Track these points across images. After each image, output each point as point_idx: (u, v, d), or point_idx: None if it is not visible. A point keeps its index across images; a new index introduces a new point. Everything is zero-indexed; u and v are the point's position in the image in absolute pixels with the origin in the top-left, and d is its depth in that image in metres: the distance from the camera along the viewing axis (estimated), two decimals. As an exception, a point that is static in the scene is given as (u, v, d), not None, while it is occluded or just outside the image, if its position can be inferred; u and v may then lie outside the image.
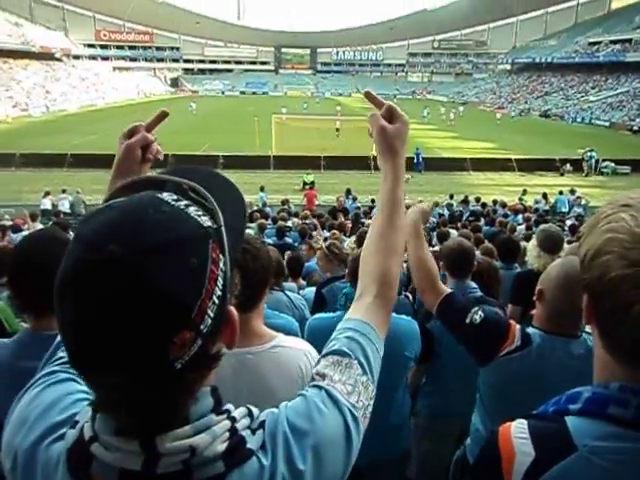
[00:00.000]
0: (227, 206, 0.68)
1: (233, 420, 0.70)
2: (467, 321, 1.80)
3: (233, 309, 0.68)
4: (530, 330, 1.81)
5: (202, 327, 0.61)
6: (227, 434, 0.67)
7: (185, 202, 0.64)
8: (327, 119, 35.94)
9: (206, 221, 0.63)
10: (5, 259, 3.06)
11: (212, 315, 0.62)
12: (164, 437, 0.63)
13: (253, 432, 0.71)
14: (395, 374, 2.36)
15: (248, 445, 0.69)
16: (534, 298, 1.80)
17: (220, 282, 0.63)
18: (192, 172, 0.72)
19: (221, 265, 0.63)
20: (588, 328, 1.74)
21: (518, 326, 1.83)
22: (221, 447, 0.66)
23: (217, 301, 0.62)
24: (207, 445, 0.65)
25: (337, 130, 32.89)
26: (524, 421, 0.81)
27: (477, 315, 1.81)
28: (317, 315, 2.42)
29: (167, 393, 0.62)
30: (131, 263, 0.56)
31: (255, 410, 0.74)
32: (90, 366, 0.59)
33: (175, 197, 0.64)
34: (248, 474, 0.67)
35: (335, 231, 7.45)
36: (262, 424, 0.73)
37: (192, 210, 0.63)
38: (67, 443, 0.68)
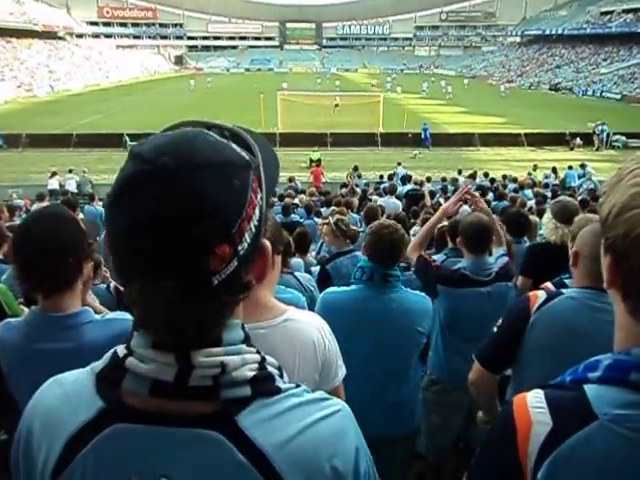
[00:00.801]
0: (264, 156, 0.73)
1: (263, 358, 0.73)
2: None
3: (267, 242, 0.73)
4: (563, 290, 1.80)
5: (239, 248, 0.65)
6: (256, 365, 0.70)
7: (227, 140, 0.70)
8: (332, 95, 35.56)
9: (245, 155, 0.69)
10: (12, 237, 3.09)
11: (249, 240, 0.66)
12: (198, 352, 0.67)
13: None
14: (408, 349, 2.34)
15: (277, 383, 0.72)
16: (570, 263, 1.78)
17: (257, 212, 0.68)
18: (235, 128, 0.77)
19: (259, 197, 0.69)
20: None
21: (540, 291, 1.82)
22: (249, 373, 0.69)
23: (254, 229, 0.67)
24: (237, 366, 0.68)
25: (336, 106, 33.13)
26: (540, 391, 0.78)
27: (495, 327, 1.88)
28: (331, 289, 2.38)
29: (203, 309, 0.65)
30: (182, 174, 0.61)
31: (285, 373, 0.76)
32: (138, 270, 0.63)
33: (219, 136, 0.70)
34: (273, 406, 0.69)
35: (342, 207, 7.40)
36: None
37: (234, 145, 0.69)
38: (96, 367, 0.73)
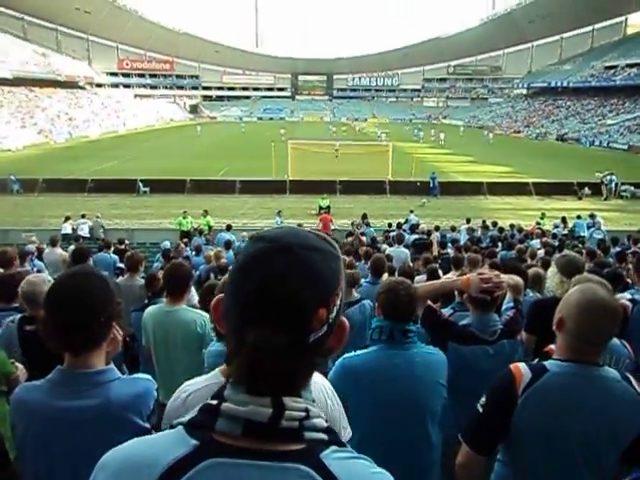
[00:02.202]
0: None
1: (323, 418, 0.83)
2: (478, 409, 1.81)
3: (346, 320, 0.86)
4: (546, 362, 1.77)
5: (330, 316, 0.79)
6: (324, 419, 0.81)
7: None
8: (343, 144, 36.34)
9: (336, 251, 0.85)
10: (14, 285, 3.10)
11: (335, 312, 0.80)
12: (288, 398, 0.77)
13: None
14: (435, 402, 2.30)
15: (341, 438, 0.82)
16: (554, 328, 1.76)
17: (340, 294, 0.82)
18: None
19: (342, 283, 0.83)
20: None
21: (521, 363, 1.80)
22: (325, 423, 0.80)
23: (338, 304, 0.81)
24: (316, 415, 0.79)
25: (336, 150, 34.32)
26: None
27: (479, 405, 1.81)
28: (349, 354, 2.32)
29: (299, 363, 0.78)
30: (299, 251, 0.78)
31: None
32: (258, 318, 0.75)
33: None
34: (345, 453, 0.79)
35: (351, 258, 7.38)
36: None
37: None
38: (177, 423, 0.79)
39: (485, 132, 57.32)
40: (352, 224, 15.16)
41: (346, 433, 1.52)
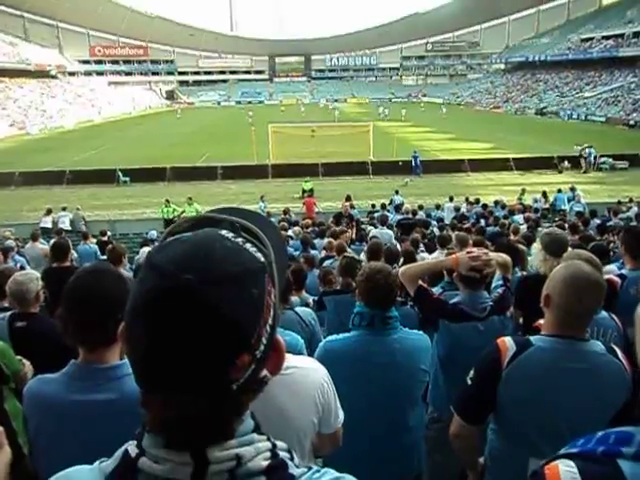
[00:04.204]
0: (273, 244, 0.74)
1: (274, 445, 0.73)
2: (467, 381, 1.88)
3: (280, 338, 0.73)
4: (532, 337, 1.82)
5: (257, 352, 0.66)
6: (269, 453, 0.71)
7: (241, 239, 0.71)
8: (324, 126, 36.15)
9: (260, 257, 0.70)
10: (3, 283, 3.06)
11: (265, 342, 0.67)
12: (212, 448, 0.67)
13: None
14: (412, 391, 2.34)
15: (290, 470, 0.72)
16: (541, 304, 1.80)
17: (272, 312, 0.69)
18: (239, 212, 0.79)
19: (273, 296, 0.69)
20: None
21: (507, 337, 1.85)
22: (264, 463, 0.69)
23: (269, 330, 0.68)
24: (251, 457, 0.68)
25: (312, 131, 34.66)
26: (571, 463, 0.76)
27: (468, 378, 1.88)
28: (332, 337, 2.39)
29: (221, 412, 0.67)
30: (205, 293, 0.62)
31: (294, 454, 0.77)
32: (159, 385, 0.64)
33: (232, 234, 0.71)
34: None
35: (331, 239, 7.30)
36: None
37: (248, 246, 0.70)
38: (106, 467, 0.72)
39: (441, 107, 61.93)
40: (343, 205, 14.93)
41: (341, 415, 1.58)
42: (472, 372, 1.89)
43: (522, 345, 1.78)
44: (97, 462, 0.74)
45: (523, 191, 17.17)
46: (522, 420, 1.78)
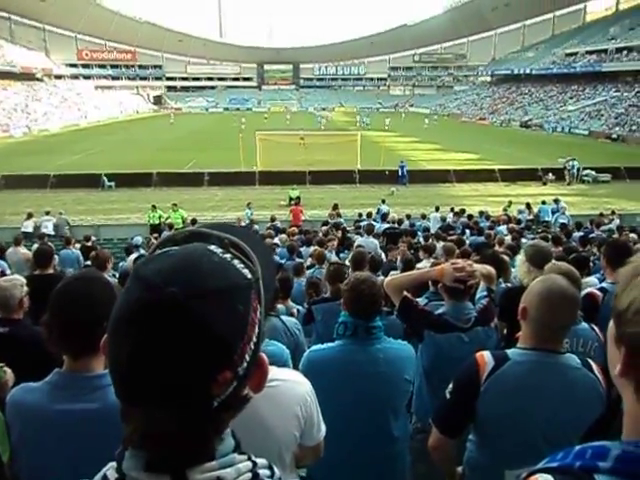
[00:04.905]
0: (261, 262, 0.74)
1: (254, 464, 0.72)
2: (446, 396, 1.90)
3: (264, 355, 0.72)
4: (509, 351, 1.85)
5: (239, 369, 0.66)
6: (249, 474, 0.70)
7: (229, 255, 0.70)
8: (311, 134, 36.26)
9: (247, 273, 0.69)
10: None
11: (248, 359, 0.67)
12: (193, 470, 0.66)
13: None
14: (398, 399, 2.34)
15: None
16: (518, 317, 1.83)
17: (256, 330, 0.68)
18: (229, 228, 0.79)
19: (258, 314, 0.69)
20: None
21: (486, 352, 1.88)
22: None
23: (253, 347, 0.68)
24: (232, 479, 0.68)
25: (301, 139, 34.92)
26: (549, 477, 0.75)
27: (447, 392, 1.90)
28: (316, 347, 2.39)
29: (200, 429, 0.66)
30: (189, 306, 0.61)
31: (275, 469, 0.76)
32: (138, 398, 0.64)
33: (221, 250, 0.71)
34: None
35: (317, 247, 7.33)
36: None
37: (236, 262, 0.70)
38: None
39: (425, 119, 61.28)
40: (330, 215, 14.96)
41: (323, 427, 1.58)
42: (451, 386, 1.91)
43: (500, 360, 1.81)
44: None
45: (510, 203, 17.33)
46: (500, 434, 1.81)
